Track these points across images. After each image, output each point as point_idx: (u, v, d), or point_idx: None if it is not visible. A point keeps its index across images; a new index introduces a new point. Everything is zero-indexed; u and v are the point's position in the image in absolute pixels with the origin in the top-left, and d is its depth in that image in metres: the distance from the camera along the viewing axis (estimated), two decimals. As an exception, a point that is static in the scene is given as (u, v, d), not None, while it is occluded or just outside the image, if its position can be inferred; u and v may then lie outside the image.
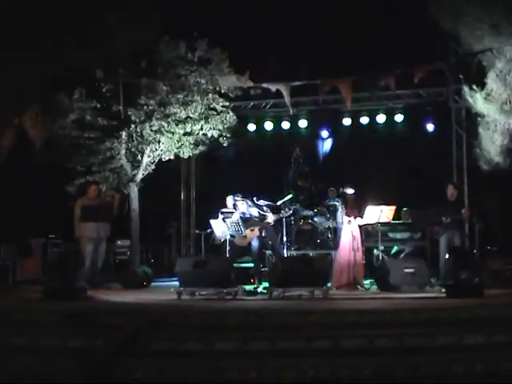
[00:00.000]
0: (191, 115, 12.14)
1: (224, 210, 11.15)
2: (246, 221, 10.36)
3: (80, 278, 8.67)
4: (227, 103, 12.64)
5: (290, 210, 11.13)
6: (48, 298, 8.19)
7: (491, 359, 4.89)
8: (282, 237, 11.57)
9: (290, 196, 11.98)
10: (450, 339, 5.33)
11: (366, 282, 10.68)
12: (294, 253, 11.97)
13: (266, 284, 10.00)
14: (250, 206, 10.78)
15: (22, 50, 9.72)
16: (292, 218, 12.15)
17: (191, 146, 12.64)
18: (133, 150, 12.48)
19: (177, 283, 9.21)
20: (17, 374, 4.98)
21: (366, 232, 11.24)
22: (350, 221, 10.61)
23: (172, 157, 12.60)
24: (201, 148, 12.92)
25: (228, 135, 12.71)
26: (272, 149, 14.61)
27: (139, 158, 12.54)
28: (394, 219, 11.09)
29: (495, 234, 13.50)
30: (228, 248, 10.49)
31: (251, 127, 14.67)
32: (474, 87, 11.08)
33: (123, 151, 12.34)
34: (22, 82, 10.22)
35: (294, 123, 14.38)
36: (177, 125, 12.15)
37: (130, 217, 12.60)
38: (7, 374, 4.98)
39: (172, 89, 12.06)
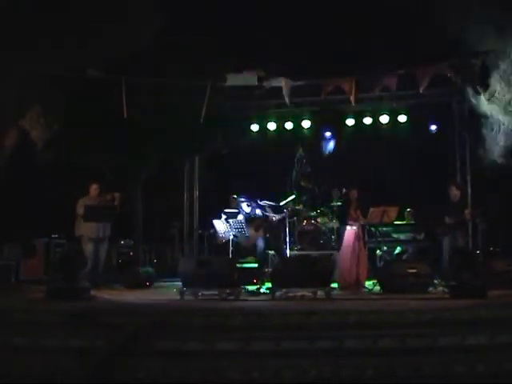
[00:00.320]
0: None
1: (227, 210, 11.15)
2: (250, 221, 10.36)
3: (83, 277, 8.68)
4: None
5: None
6: (51, 297, 8.18)
7: (493, 360, 4.89)
8: (285, 237, 11.56)
9: (292, 196, 11.96)
10: (452, 340, 5.33)
11: (369, 282, 10.67)
12: (297, 253, 11.96)
13: (268, 284, 9.98)
14: (253, 206, 10.78)
15: (22, 50, 9.73)
16: (295, 218, 12.15)
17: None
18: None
19: (179, 283, 9.21)
20: (18, 374, 4.99)
21: (369, 233, 11.22)
22: (353, 221, 10.61)
23: None
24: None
25: None
26: (275, 149, 14.58)
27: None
28: (397, 220, 11.08)
29: (498, 235, 13.47)
30: (231, 248, 10.49)
31: (254, 127, 14.66)
32: (478, 88, 11.07)
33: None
34: (23, 83, 10.23)
35: (297, 124, 14.37)
36: None
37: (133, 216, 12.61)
38: (10, 374, 4.99)
39: None
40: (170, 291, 9.70)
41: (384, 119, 14.02)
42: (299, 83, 12.13)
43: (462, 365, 4.83)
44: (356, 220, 10.66)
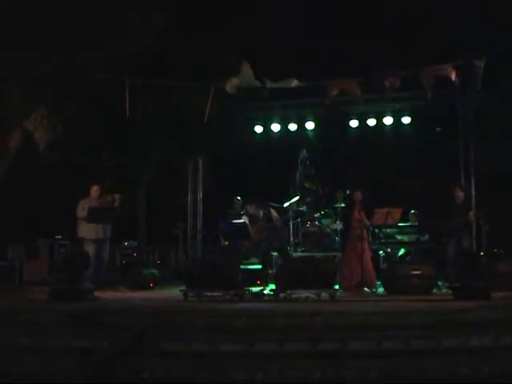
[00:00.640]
0: None
1: (231, 211, 11.15)
2: (253, 223, 10.35)
3: (86, 279, 8.69)
4: None
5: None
6: (54, 298, 8.18)
7: (498, 361, 4.88)
8: (289, 239, 11.55)
9: (296, 198, 11.95)
10: (456, 341, 5.32)
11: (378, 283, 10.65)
12: (301, 255, 11.95)
13: (272, 286, 9.98)
14: (257, 207, 10.78)
15: (22, 50, 9.74)
16: (299, 219, 12.15)
17: None
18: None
19: (183, 284, 9.22)
20: (20, 374, 5.00)
21: (373, 234, 11.21)
22: (357, 223, 10.61)
23: None
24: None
25: None
26: (279, 150, 14.57)
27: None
28: (401, 221, 11.06)
29: (502, 237, 13.44)
30: (235, 250, 10.49)
31: (258, 129, 14.65)
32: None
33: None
34: (27, 84, 10.25)
35: (300, 125, 14.36)
36: None
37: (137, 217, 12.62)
38: (10, 374, 5.00)
39: None
40: (173, 292, 9.69)
41: (388, 121, 14.00)
42: (303, 84, 12.14)
43: (466, 366, 4.83)
44: (360, 222, 10.65)
